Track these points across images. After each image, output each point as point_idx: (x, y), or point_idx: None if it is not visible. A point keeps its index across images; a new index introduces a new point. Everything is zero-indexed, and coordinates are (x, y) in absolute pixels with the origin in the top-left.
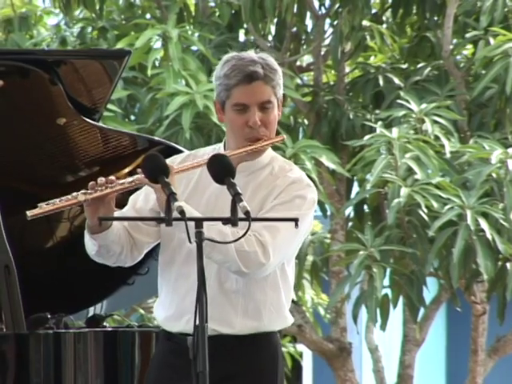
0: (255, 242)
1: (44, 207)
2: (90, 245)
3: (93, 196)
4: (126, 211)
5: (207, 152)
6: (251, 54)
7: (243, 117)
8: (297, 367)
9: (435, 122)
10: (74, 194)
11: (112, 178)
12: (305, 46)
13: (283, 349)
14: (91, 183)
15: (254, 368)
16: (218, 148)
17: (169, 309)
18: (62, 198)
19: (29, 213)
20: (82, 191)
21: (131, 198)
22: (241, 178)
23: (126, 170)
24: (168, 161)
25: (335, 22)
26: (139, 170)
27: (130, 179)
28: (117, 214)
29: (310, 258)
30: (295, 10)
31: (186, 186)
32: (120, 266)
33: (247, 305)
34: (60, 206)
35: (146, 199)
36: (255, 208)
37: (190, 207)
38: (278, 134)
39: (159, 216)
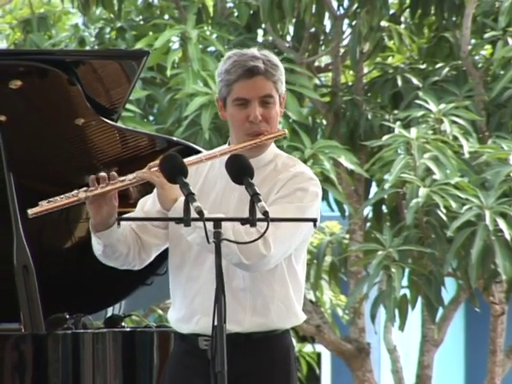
0: (255, 234)
1: (45, 205)
2: (96, 244)
3: (94, 193)
4: (135, 214)
5: (215, 151)
6: (253, 50)
7: (244, 112)
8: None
9: (453, 122)
10: (75, 191)
11: (113, 173)
12: (323, 47)
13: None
14: (92, 178)
15: (264, 367)
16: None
17: (179, 311)
18: (63, 195)
19: (29, 211)
20: (83, 189)
21: (140, 201)
22: None
23: None
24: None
25: (353, 23)
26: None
27: (131, 176)
28: (129, 215)
29: (328, 259)
30: (313, 11)
31: (193, 188)
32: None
33: (255, 301)
34: (61, 203)
35: (153, 201)
36: None
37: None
38: (296, 133)
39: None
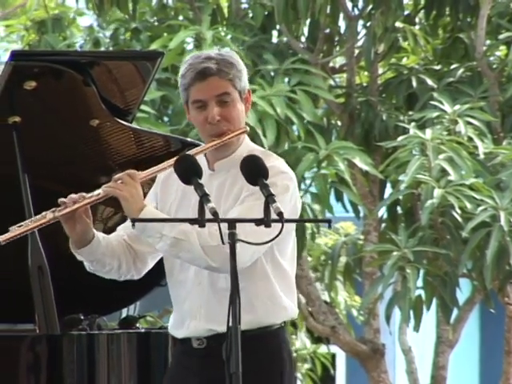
0: (220, 236)
1: (16, 230)
2: (83, 261)
3: (61, 213)
4: (126, 224)
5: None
6: (211, 51)
7: (203, 114)
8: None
9: (468, 123)
10: (44, 213)
11: (81, 194)
12: (338, 48)
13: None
14: (60, 200)
15: (256, 363)
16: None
17: (173, 316)
18: (33, 218)
19: (0, 238)
20: (52, 209)
21: None
22: (219, 177)
23: None
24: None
25: (368, 23)
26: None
27: (96, 192)
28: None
29: (343, 260)
30: (328, 11)
31: (176, 194)
32: (153, 267)
33: (240, 300)
34: (31, 227)
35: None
36: (232, 203)
37: (153, 209)
38: (311, 134)
39: None
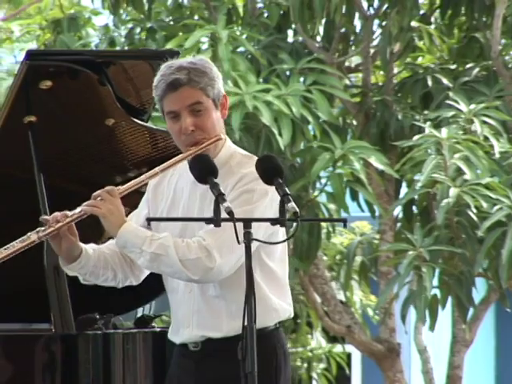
0: (198, 248)
1: (2, 252)
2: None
3: (45, 233)
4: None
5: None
6: (184, 59)
7: (177, 124)
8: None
9: (484, 122)
10: (29, 233)
11: (65, 212)
12: (353, 47)
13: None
14: (41, 218)
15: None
16: None
17: (172, 322)
18: (18, 239)
19: None
20: (36, 230)
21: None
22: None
23: None
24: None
25: (384, 23)
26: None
27: (78, 210)
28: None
29: (358, 259)
30: (344, 11)
31: (166, 201)
32: None
33: (230, 306)
34: (17, 248)
35: (137, 217)
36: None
37: (133, 225)
38: (327, 133)
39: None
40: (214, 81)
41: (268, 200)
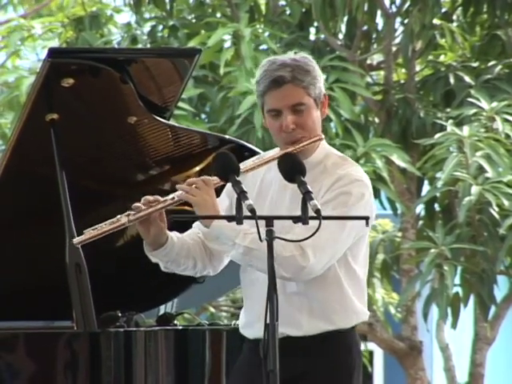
0: (293, 246)
1: (90, 233)
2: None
3: (135, 217)
4: (195, 226)
5: (270, 154)
6: (286, 56)
7: (278, 122)
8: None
9: (506, 120)
10: (118, 216)
11: (156, 197)
12: (375, 45)
13: None
14: (134, 205)
15: (324, 367)
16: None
17: (244, 315)
18: (107, 221)
19: (75, 240)
20: (126, 213)
21: None
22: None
23: (197, 169)
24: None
25: (406, 21)
26: (178, 186)
27: (170, 196)
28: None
29: (380, 257)
30: (366, 9)
31: (251, 191)
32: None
33: (311, 305)
34: (105, 230)
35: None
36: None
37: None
38: (349, 131)
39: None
40: (316, 79)
41: (363, 203)
